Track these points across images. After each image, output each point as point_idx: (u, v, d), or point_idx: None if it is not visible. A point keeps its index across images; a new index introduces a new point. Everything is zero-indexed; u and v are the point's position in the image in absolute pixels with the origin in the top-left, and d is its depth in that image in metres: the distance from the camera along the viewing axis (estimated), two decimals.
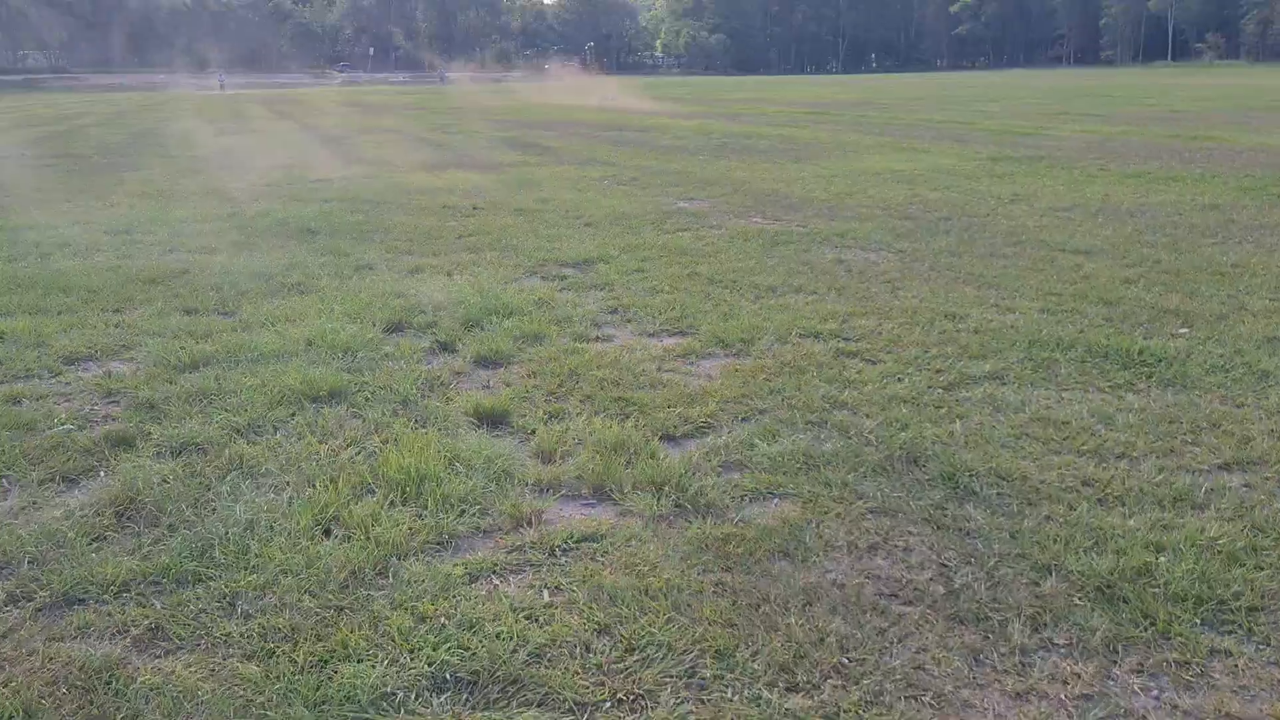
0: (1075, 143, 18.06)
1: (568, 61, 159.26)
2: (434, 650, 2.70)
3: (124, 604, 2.98)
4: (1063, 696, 2.49)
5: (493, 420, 4.49)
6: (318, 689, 2.55)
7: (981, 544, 3.22)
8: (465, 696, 2.54)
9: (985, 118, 26.33)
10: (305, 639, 2.76)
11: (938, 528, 3.34)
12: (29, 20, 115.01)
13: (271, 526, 3.41)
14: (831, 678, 2.56)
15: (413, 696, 2.53)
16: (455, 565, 3.17)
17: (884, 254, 8.08)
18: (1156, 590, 2.92)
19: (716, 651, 2.68)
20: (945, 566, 3.10)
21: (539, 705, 2.50)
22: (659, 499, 3.60)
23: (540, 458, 4.08)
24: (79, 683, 2.59)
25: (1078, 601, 2.88)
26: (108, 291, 7.14)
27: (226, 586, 3.04)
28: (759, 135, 21.62)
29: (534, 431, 4.34)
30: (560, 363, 5.27)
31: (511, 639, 2.75)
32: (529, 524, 3.45)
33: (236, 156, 18.75)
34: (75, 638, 2.82)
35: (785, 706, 2.46)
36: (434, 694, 2.55)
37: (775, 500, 3.61)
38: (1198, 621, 2.79)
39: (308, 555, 3.20)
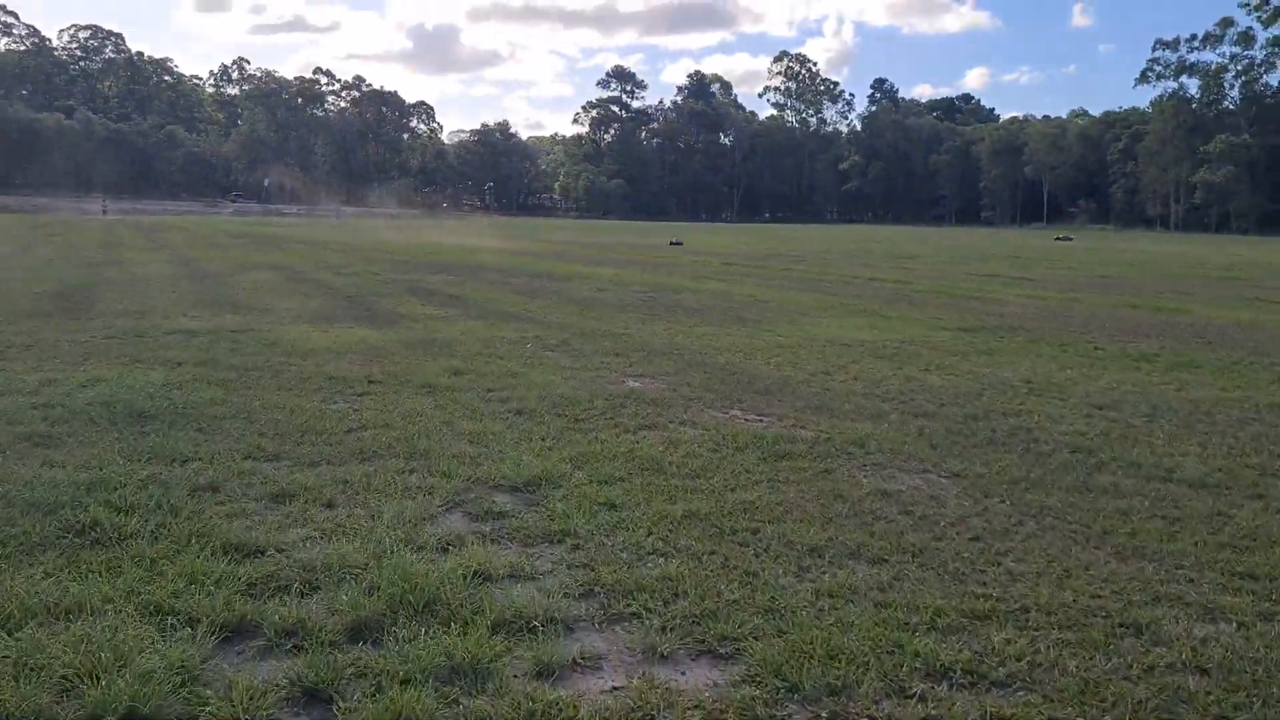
0: (1031, 310, 16.64)
1: (467, 201, 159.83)
2: None
3: None
4: None
5: None
6: None
7: None
8: None
9: (915, 276, 25.20)
10: None
11: None
12: None
13: None
14: None
15: None
16: None
17: (936, 480, 5.95)
18: None
19: None
20: None
21: None
22: None
23: None
24: None
25: None
26: None
27: None
28: (683, 289, 19.82)
29: None
30: None
31: None
32: None
33: (88, 295, 16.02)
34: None
35: None
36: None
37: None
38: None
39: None
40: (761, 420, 7.61)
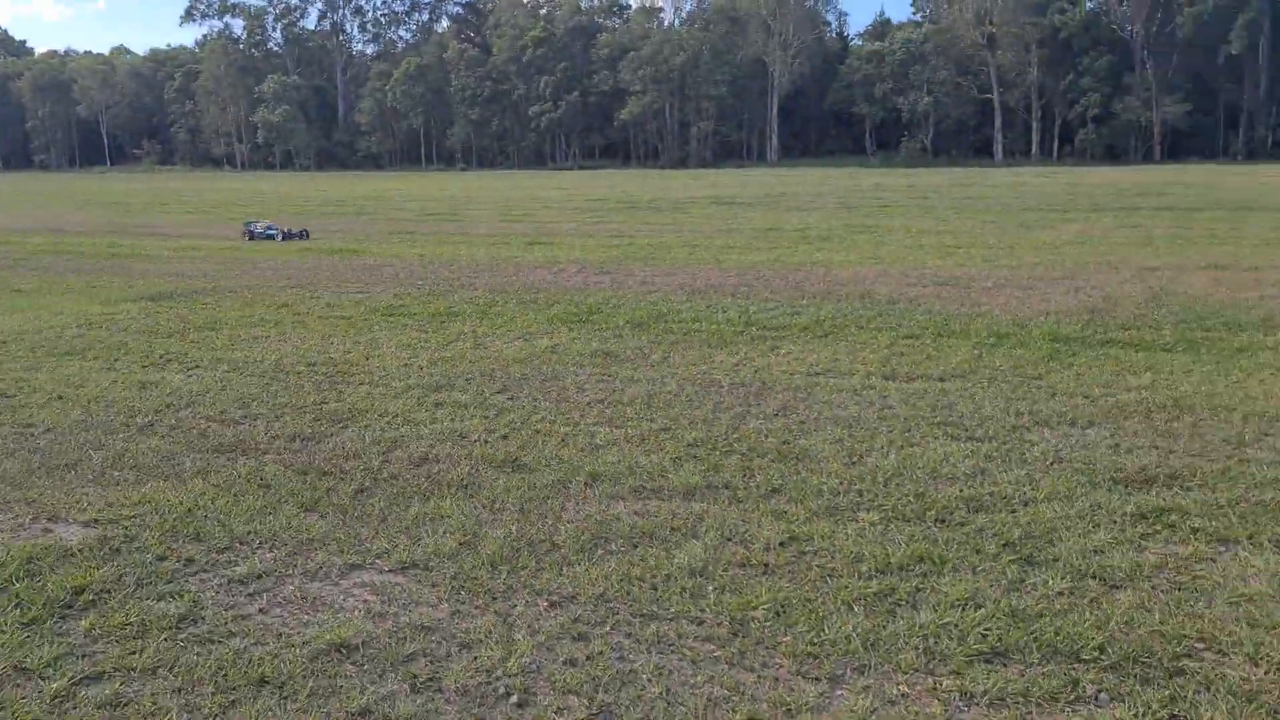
0: (202, 264, 14.01)
1: None
2: None
3: None
4: None
5: None
6: None
7: None
8: None
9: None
10: None
11: None
12: None
13: None
14: None
15: None
16: None
17: (410, 587, 3.59)
18: None
19: None
20: None
21: None
22: None
23: None
24: None
25: None
26: None
27: None
28: None
29: None
30: None
31: None
32: None
33: None
34: None
35: None
36: None
37: None
38: None
39: None
40: None
